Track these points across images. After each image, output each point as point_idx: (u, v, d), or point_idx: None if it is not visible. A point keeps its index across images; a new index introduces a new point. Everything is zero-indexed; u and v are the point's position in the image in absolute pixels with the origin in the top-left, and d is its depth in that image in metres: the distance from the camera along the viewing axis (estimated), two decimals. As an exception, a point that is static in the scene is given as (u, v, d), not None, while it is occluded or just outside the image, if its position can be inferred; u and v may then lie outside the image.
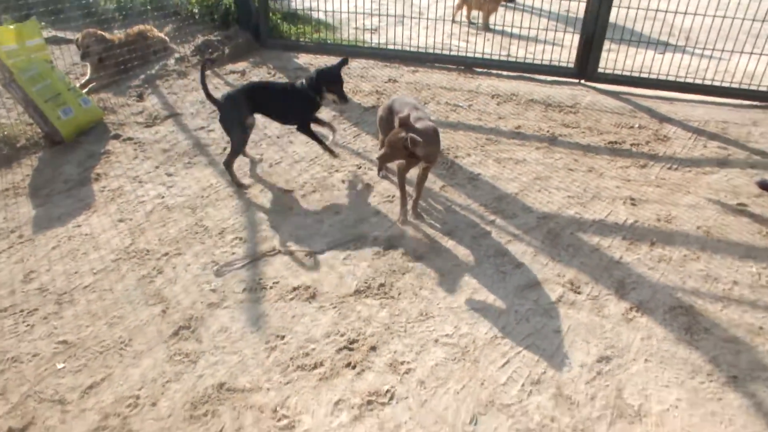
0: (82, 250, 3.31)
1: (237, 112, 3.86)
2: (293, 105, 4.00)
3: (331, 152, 4.19)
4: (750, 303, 2.98)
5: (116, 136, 4.71)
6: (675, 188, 4.03)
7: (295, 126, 4.14)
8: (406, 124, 3.19)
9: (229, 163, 3.94)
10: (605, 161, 4.38)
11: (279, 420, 2.26)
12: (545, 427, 2.27)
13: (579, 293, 3.00)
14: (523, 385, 2.45)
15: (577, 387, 2.46)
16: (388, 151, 3.22)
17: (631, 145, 4.65)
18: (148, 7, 7.34)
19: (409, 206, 3.59)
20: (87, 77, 5.75)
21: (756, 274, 3.19)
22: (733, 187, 4.06)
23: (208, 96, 3.89)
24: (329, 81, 3.91)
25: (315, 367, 2.50)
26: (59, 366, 2.51)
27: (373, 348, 2.60)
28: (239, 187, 3.93)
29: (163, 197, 3.83)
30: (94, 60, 5.70)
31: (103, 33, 5.81)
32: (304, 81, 3.98)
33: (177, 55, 6.36)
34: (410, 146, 3.07)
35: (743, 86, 5.51)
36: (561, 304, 2.93)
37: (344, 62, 4.05)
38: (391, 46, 6.59)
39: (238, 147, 3.97)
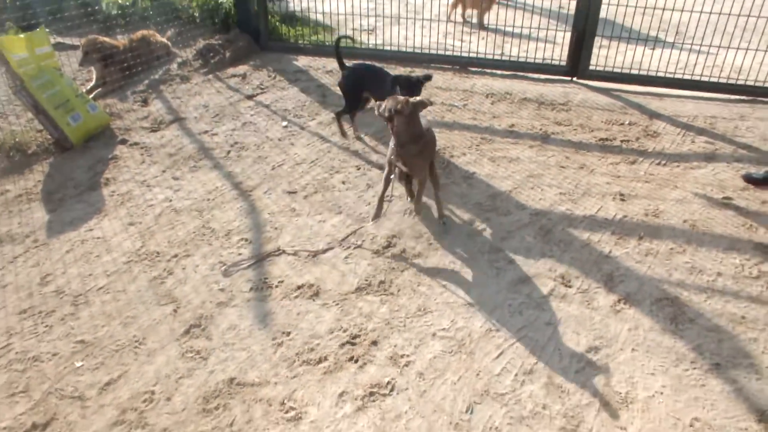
0: (95, 253, 3.47)
1: (357, 81, 4.53)
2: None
3: None
4: (733, 293, 3.13)
5: (123, 141, 4.86)
6: (663, 183, 4.17)
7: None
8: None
9: (338, 116, 4.70)
10: (596, 158, 4.52)
11: (287, 412, 2.41)
12: (537, 415, 2.42)
13: (570, 287, 3.15)
14: (516, 375, 2.61)
15: (567, 376, 2.61)
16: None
17: (622, 141, 4.79)
18: (150, 12, 7.47)
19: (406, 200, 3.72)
20: (93, 83, 5.88)
21: (739, 266, 3.34)
22: (719, 182, 4.20)
23: (341, 64, 4.66)
24: (402, 85, 4.17)
25: (320, 361, 2.66)
26: (78, 364, 2.67)
27: (374, 342, 2.75)
28: (342, 135, 4.74)
29: (170, 200, 3.98)
30: (98, 66, 5.83)
31: (105, 39, 5.94)
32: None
33: (179, 60, 6.50)
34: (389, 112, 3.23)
35: (731, 81, 5.65)
36: (552, 297, 3.08)
37: (427, 77, 4.28)
38: (387, 47, 6.72)
39: (348, 108, 4.63)
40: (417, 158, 3.34)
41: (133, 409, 2.44)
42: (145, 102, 5.66)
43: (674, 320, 2.95)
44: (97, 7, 7.50)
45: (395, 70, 6.32)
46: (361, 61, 4.75)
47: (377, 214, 3.54)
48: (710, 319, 2.96)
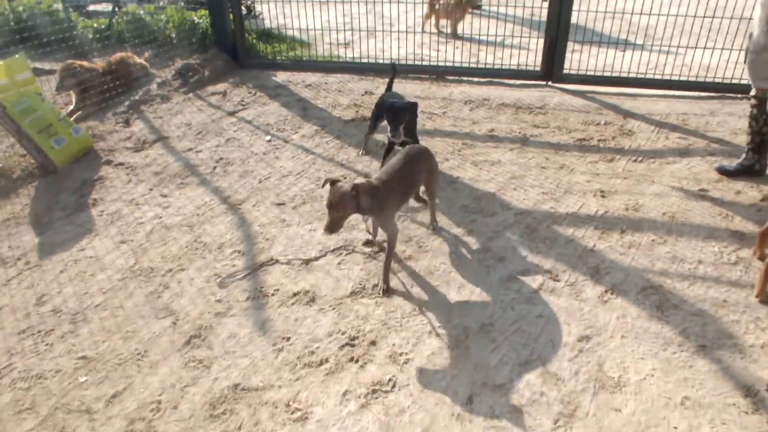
0: (89, 272, 3.48)
1: (377, 108, 4.55)
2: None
3: None
4: (714, 279, 3.26)
5: (108, 162, 4.88)
6: (641, 179, 4.32)
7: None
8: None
9: (366, 136, 4.83)
10: (575, 158, 4.66)
11: (293, 413, 2.46)
12: (536, 402, 2.51)
13: (558, 281, 3.26)
14: (512, 366, 2.69)
15: (561, 364, 2.70)
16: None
17: (599, 141, 4.95)
18: (127, 34, 7.50)
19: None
20: (72, 106, 5.89)
21: (718, 253, 3.48)
22: (694, 175, 4.36)
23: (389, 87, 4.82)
24: (389, 116, 4.04)
25: (321, 363, 2.71)
26: (82, 379, 2.69)
27: (373, 342, 2.82)
28: (364, 151, 4.82)
29: (160, 217, 4.01)
30: (77, 90, 5.85)
31: (83, 63, 5.97)
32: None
33: (159, 80, 6.54)
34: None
35: (700, 79, 5.86)
36: (542, 291, 3.18)
37: (414, 106, 4.18)
38: (365, 60, 6.84)
39: (369, 129, 4.74)
40: (382, 212, 3.12)
41: (141, 419, 2.47)
42: (127, 123, 5.69)
43: (660, 307, 3.06)
44: (74, 32, 7.51)
45: (373, 82, 6.45)
46: (393, 92, 4.65)
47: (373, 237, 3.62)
48: (694, 304, 3.08)
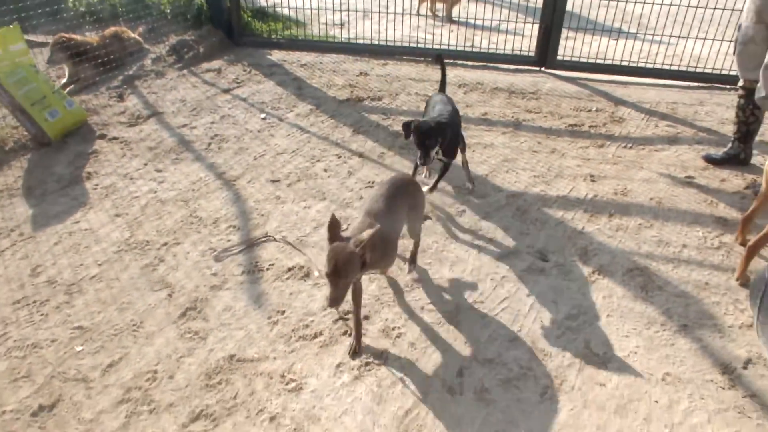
0: (84, 244, 3.50)
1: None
2: None
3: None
4: (697, 263, 3.35)
5: (102, 136, 4.87)
6: (630, 165, 4.40)
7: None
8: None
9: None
10: (566, 143, 4.73)
11: (287, 384, 2.52)
12: (524, 376, 2.59)
13: (547, 261, 3.33)
14: (501, 342, 2.77)
15: (549, 341, 2.78)
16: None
17: (590, 127, 5.01)
18: (120, 8, 7.42)
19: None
20: (65, 80, 5.85)
21: (702, 238, 3.57)
22: (682, 162, 4.45)
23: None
24: (416, 134, 3.41)
25: (315, 336, 2.77)
26: (78, 349, 2.73)
27: (366, 317, 2.88)
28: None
29: (155, 192, 4.03)
30: (69, 63, 5.80)
31: (75, 36, 5.91)
32: None
33: (153, 56, 6.50)
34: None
35: (690, 69, 5.93)
36: (531, 271, 3.25)
37: (444, 127, 3.45)
38: (360, 41, 6.84)
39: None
40: (386, 257, 2.72)
41: (138, 387, 2.51)
42: (120, 97, 5.66)
43: (644, 288, 3.15)
44: (67, 5, 7.42)
45: (368, 63, 6.46)
46: (443, 95, 4.00)
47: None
48: (677, 286, 3.17)
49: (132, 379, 2.56)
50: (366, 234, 2.31)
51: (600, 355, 2.71)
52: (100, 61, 5.93)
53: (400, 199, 2.81)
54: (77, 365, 2.64)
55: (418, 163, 3.44)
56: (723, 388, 2.56)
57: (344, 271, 2.27)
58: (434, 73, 6.18)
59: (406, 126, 3.42)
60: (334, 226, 2.37)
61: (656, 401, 2.49)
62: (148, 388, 2.51)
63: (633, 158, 4.50)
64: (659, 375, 2.62)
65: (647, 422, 2.41)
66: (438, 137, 3.38)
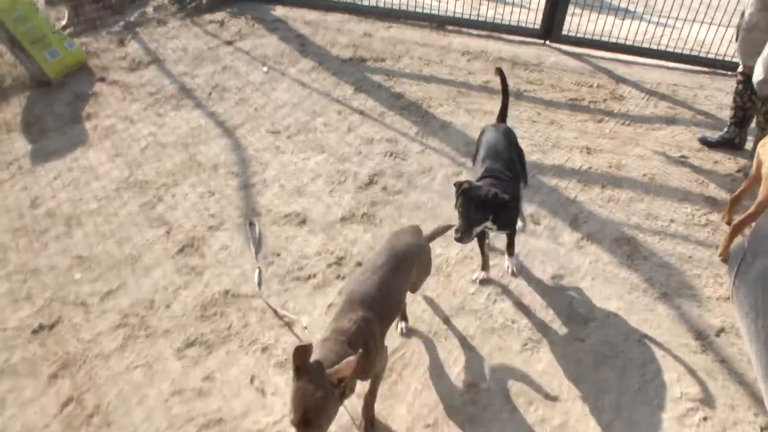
0: (83, 180, 3.54)
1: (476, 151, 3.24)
2: None
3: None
4: (683, 237, 3.44)
5: (102, 79, 4.86)
6: (626, 141, 4.46)
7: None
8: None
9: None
10: (565, 115, 4.77)
11: (280, 319, 2.60)
12: (507, 327, 2.68)
13: (538, 224, 3.41)
14: (488, 295, 2.86)
15: (534, 297, 2.87)
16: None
17: (590, 102, 5.05)
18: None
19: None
20: (64, 21, 5.80)
21: (690, 214, 3.66)
22: (677, 142, 4.51)
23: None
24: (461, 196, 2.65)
25: (309, 278, 2.85)
26: (77, 276, 2.79)
27: (360, 264, 2.95)
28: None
29: (155, 135, 4.05)
30: (68, 5, 5.75)
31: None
32: None
33: (154, 4, 6.43)
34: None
35: (694, 53, 5.96)
36: (523, 233, 3.33)
37: (502, 202, 2.58)
38: (365, 2, 6.79)
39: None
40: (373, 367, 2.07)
41: (135, 314, 2.59)
42: (121, 42, 5.62)
43: (630, 256, 3.24)
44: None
45: (373, 25, 6.43)
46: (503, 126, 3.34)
47: None
48: (662, 257, 3.26)
49: (129, 307, 2.63)
50: (346, 366, 1.71)
51: (581, 314, 2.82)
52: (100, 4, 5.87)
53: (403, 274, 2.23)
54: (76, 291, 2.71)
55: (454, 236, 2.56)
56: (695, 352, 2.67)
57: (316, 421, 1.70)
58: (439, 38, 6.17)
59: (458, 186, 2.65)
60: (301, 353, 1.72)
61: (631, 359, 2.60)
62: (145, 315, 2.58)
63: (630, 135, 4.56)
64: (636, 336, 2.72)
65: (621, 377, 2.52)
66: (489, 214, 2.58)
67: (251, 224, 3.21)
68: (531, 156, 4.09)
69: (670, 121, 4.86)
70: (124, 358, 2.40)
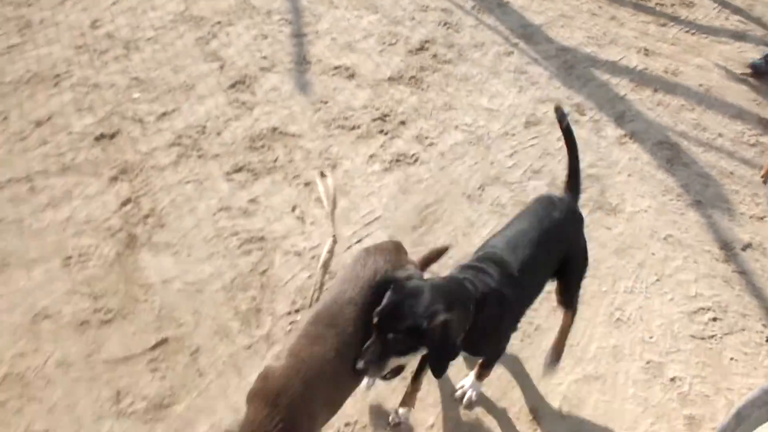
0: (140, 9, 3.57)
1: None
2: None
3: None
4: (728, 152, 3.42)
5: None
6: (688, 49, 4.31)
7: None
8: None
9: None
10: (628, 13, 4.58)
11: (324, 160, 2.72)
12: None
13: (583, 115, 3.42)
14: (525, 171, 2.94)
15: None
16: None
17: (656, 4, 4.82)
18: None
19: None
20: None
21: (740, 132, 3.60)
22: (742, 59, 4.34)
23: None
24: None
25: (353, 128, 2.94)
26: (135, 95, 2.91)
27: (403, 122, 3.03)
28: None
29: (212, -26, 4.01)
30: None
31: None
32: None
33: None
34: None
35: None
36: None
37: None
38: None
39: None
40: None
41: (188, 136, 2.73)
42: None
43: (670, 161, 3.26)
44: None
45: None
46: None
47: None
48: (702, 167, 3.27)
49: (183, 129, 2.77)
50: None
51: (612, 205, 2.89)
52: None
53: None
54: (134, 108, 2.84)
55: (355, 365, 1.57)
56: (717, 260, 2.76)
57: None
58: None
59: (380, 282, 1.65)
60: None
61: (653, 253, 2.71)
62: (197, 138, 2.72)
63: (692, 44, 4.39)
64: (662, 234, 2.81)
65: (640, 267, 2.64)
66: (423, 344, 1.57)
67: (323, 175, 2.68)
68: (586, 48, 4.01)
69: (740, 36, 4.64)
70: (177, 172, 2.56)
